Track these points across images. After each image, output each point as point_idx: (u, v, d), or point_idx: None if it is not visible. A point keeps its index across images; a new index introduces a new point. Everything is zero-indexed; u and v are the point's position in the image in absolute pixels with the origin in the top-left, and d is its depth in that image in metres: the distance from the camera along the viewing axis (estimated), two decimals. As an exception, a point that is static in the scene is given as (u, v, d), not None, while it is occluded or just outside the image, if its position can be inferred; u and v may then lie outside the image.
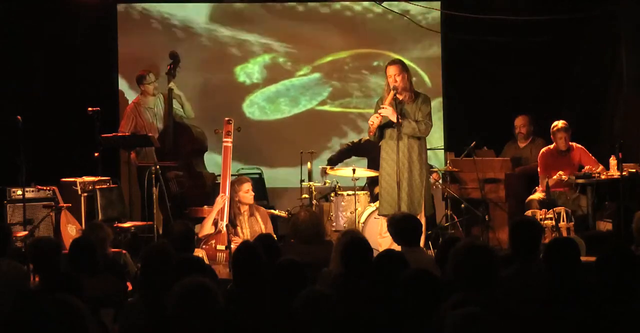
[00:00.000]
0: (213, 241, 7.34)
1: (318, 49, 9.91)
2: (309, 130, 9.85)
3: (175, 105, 8.78)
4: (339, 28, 9.91)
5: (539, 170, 8.41)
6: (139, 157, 8.64)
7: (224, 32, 9.84)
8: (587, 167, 8.08)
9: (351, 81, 9.95)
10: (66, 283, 4.10)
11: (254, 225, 7.57)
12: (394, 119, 6.97)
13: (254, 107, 9.90)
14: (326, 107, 9.98)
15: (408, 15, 9.62)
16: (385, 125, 7.10)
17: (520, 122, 9.00)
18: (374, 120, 7.03)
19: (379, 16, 9.82)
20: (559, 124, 8.37)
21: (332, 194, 8.38)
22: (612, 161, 8.07)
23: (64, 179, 8.06)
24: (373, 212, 7.80)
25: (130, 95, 9.36)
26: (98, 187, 7.92)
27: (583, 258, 4.46)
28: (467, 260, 3.87)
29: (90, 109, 8.09)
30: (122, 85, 9.63)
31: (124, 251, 6.80)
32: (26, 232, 7.40)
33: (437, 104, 9.52)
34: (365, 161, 8.90)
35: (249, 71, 9.90)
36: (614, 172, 7.96)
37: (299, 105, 9.96)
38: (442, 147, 9.59)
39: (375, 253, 4.77)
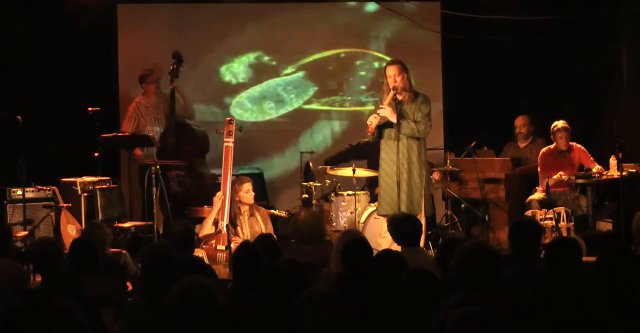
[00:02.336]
0: (213, 241, 7.33)
1: (304, 48, 9.89)
2: (298, 129, 9.85)
3: (178, 105, 8.79)
4: (327, 27, 9.88)
5: (539, 170, 8.41)
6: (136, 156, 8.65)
7: (209, 31, 9.78)
8: (597, 167, 8.09)
9: (337, 79, 9.94)
10: (68, 284, 4.10)
11: (254, 225, 7.57)
12: (393, 119, 6.95)
13: (241, 107, 9.86)
14: (313, 106, 9.97)
15: (407, 14, 9.63)
16: (385, 125, 7.08)
17: (520, 122, 9.00)
18: (373, 121, 7.00)
19: (375, 15, 9.84)
20: (559, 123, 8.37)
21: (332, 194, 8.38)
22: (612, 161, 8.08)
23: (64, 179, 8.06)
24: (373, 212, 7.80)
25: (131, 95, 9.35)
26: (98, 187, 7.91)
27: (583, 259, 4.45)
28: (471, 260, 3.87)
29: (90, 109, 8.10)
30: (123, 85, 9.62)
31: (124, 251, 6.81)
32: (26, 232, 7.40)
33: (437, 104, 9.51)
34: (364, 162, 8.89)
35: (235, 71, 9.87)
36: (614, 172, 7.96)
37: (286, 104, 9.93)
38: (442, 147, 9.59)
39: (375, 253, 4.77)
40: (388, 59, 9.68)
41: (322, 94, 9.96)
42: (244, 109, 9.88)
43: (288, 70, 9.90)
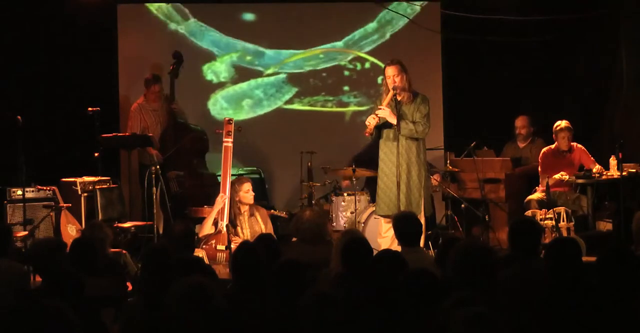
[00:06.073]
0: (213, 241, 7.33)
1: (287, 46, 9.87)
2: (279, 129, 9.83)
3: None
4: (313, 25, 9.89)
5: (539, 169, 8.41)
6: (142, 158, 8.65)
7: (193, 30, 9.75)
8: (597, 167, 8.08)
9: (319, 80, 9.92)
10: (68, 284, 4.10)
11: (254, 225, 7.57)
12: (391, 120, 6.90)
13: (220, 106, 9.82)
14: (294, 106, 9.94)
15: (407, 15, 9.64)
16: (383, 125, 7.05)
17: (521, 123, 9.00)
18: (371, 121, 6.97)
19: (373, 14, 9.85)
20: (562, 123, 8.37)
21: (332, 194, 8.38)
22: (612, 161, 8.08)
23: (64, 179, 8.06)
24: (373, 212, 7.80)
25: (131, 95, 9.35)
26: (98, 187, 7.92)
27: (583, 259, 4.45)
28: (466, 259, 3.87)
29: (90, 109, 8.09)
30: (123, 85, 9.61)
31: (124, 251, 6.80)
32: (26, 232, 7.40)
33: (437, 104, 9.50)
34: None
35: (217, 69, 9.84)
36: (614, 172, 7.96)
37: (265, 104, 9.88)
38: (442, 147, 9.59)
39: (375, 253, 4.77)
40: (371, 59, 9.75)
41: (304, 94, 9.93)
42: (223, 107, 9.82)
43: (271, 70, 9.85)
